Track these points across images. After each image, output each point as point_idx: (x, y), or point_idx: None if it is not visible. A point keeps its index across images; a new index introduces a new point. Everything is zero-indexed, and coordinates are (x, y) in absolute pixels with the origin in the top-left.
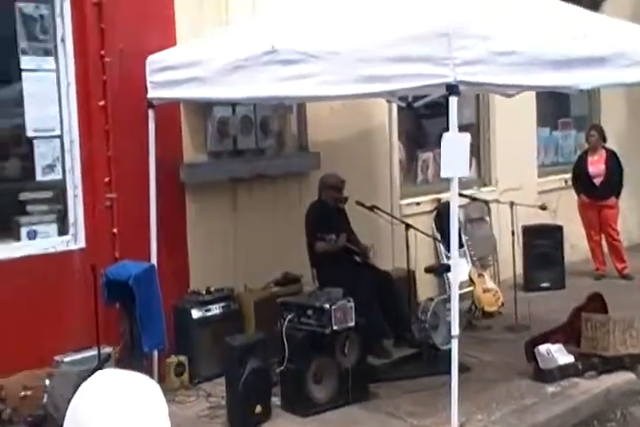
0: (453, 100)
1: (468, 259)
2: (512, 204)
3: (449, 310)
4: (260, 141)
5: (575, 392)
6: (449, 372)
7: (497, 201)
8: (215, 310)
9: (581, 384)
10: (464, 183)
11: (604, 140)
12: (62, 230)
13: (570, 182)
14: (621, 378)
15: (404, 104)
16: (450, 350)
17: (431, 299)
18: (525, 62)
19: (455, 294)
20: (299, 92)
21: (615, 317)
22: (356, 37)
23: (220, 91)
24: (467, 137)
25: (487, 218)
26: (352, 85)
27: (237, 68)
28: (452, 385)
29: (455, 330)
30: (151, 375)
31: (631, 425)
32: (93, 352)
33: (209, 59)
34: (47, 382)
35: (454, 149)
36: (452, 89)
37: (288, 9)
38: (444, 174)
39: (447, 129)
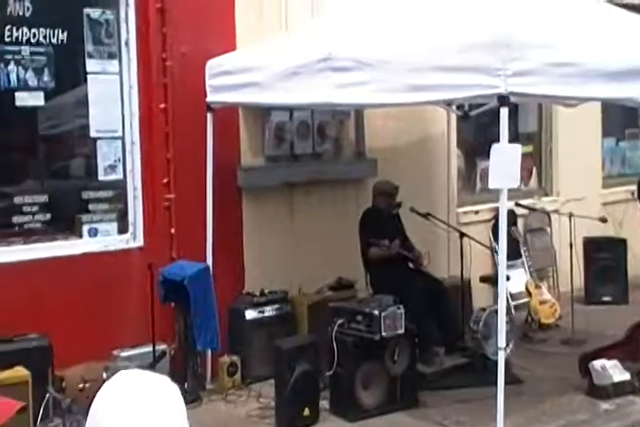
0: (504, 111)
1: (526, 269)
2: (570, 215)
3: None
4: (316, 147)
5: (630, 411)
6: None
7: (555, 212)
8: (269, 311)
9: (638, 403)
10: (525, 193)
11: None
12: (122, 229)
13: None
14: None
15: (460, 113)
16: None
17: (483, 309)
18: (580, 74)
19: (502, 305)
20: (352, 100)
21: None
22: (409, 46)
23: (276, 96)
24: (517, 148)
25: (548, 229)
26: (403, 94)
27: (293, 75)
28: (499, 397)
29: (502, 342)
30: (204, 374)
31: None
32: (149, 348)
33: (266, 64)
34: (104, 375)
35: (504, 161)
36: (502, 100)
37: (345, 14)
38: (492, 185)
39: (498, 139)
